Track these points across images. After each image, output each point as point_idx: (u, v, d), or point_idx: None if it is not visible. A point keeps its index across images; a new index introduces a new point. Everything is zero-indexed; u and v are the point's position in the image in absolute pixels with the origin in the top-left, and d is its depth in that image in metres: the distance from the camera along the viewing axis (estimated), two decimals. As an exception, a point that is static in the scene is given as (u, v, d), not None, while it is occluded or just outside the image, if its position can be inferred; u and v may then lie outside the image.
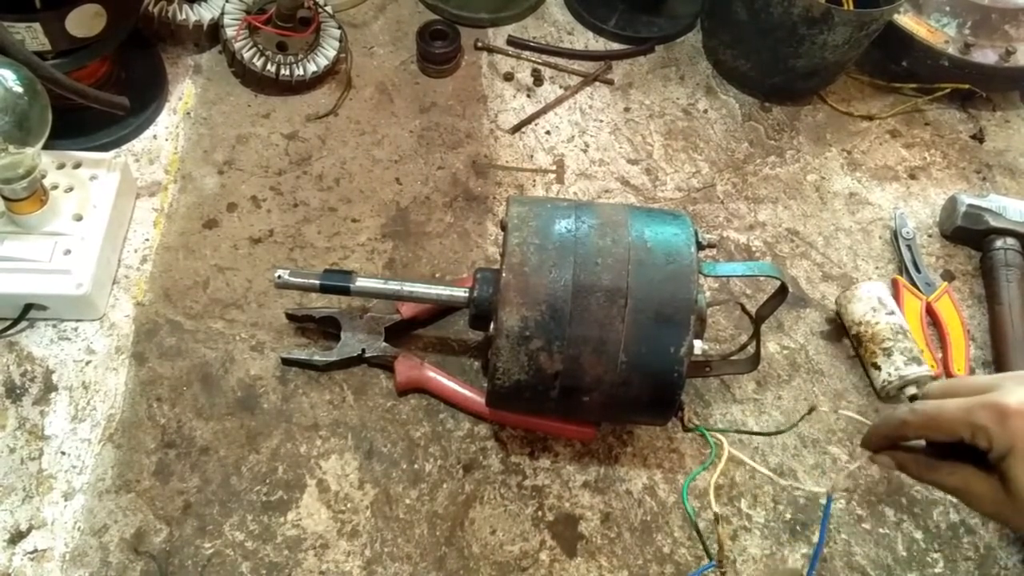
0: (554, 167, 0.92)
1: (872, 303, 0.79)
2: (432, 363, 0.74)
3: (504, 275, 0.61)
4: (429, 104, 0.95)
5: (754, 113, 1.00)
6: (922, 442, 0.53)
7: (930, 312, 0.83)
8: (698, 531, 0.68)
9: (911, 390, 0.75)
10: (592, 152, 0.94)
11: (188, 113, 0.91)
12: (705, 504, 0.70)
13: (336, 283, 0.69)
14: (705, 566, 0.67)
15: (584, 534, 0.69)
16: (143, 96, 0.89)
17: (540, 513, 0.69)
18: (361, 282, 0.69)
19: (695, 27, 1.08)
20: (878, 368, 0.77)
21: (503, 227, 0.65)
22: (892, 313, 0.78)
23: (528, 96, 0.98)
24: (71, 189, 0.76)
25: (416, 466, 0.71)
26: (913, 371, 0.74)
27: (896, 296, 0.84)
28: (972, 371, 0.81)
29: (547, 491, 0.70)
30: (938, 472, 0.51)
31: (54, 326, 0.75)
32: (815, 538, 0.70)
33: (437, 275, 0.82)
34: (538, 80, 1.00)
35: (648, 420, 0.71)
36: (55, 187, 0.75)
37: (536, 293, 0.60)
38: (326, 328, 0.76)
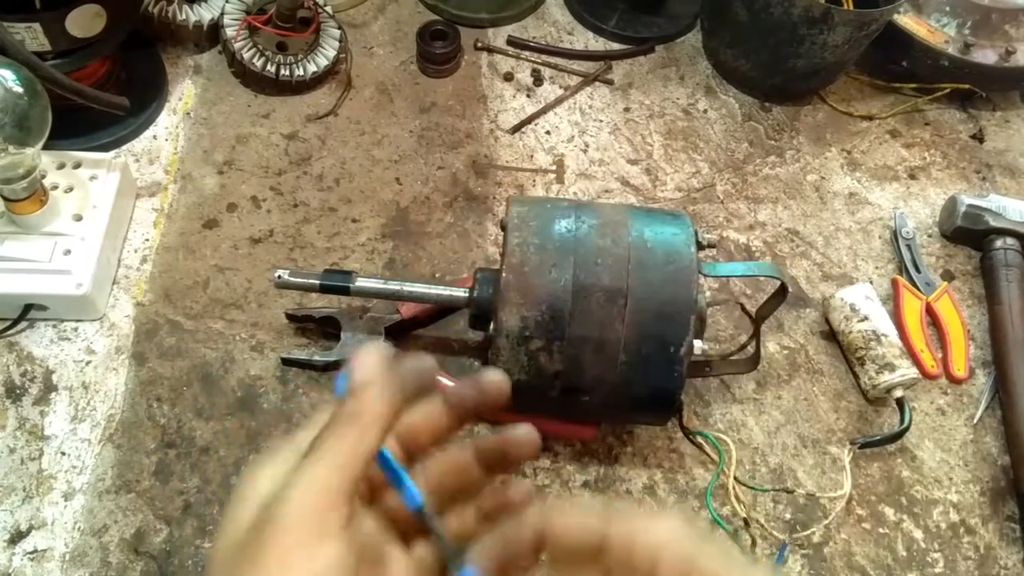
0: (554, 167, 0.92)
1: (845, 311, 0.79)
2: (432, 363, 0.74)
3: (504, 275, 0.61)
4: (429, 104, 0.95)
5: (754, 113, 1.00)
6: None
7: (930, 312, 0.83)
8: (731, 536, 0.68)
9: (898, 393, 0.75)
10: (592, 152, 0.94)
11: (188, 113, 0.91)
12: (703, 505, 0.70)
13: (336, 283, 0.69)
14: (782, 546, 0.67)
15: (584, 534, 0.69)
16: (143, 96, 0.89)
17: (540, 513, 0.69)
18: (361, 282, 0.69)
19: (695, 27, 1.07)
20: (857, 377, 0.78)
21: (503, 227, 0.65)
22: (864, 319, 0.78)
23: (528, 96, 0.98)
24: (71, 189, 0.76)
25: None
26: (885, 379, 0.74)
27: (895, 296, 0.84)
28: (972, 371, 0.82)
29: (547, 491, 0.70)
30: None
31: (54, 326, 0.75)
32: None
33: (437, 275, 0.82)
34: (538, 80, 1.00)
35: (648, 420, 0.71)
36: (55, 187, 0.75)
37: (536, 293, 0.60)
38: (326, 328, 0.76)
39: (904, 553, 0.71)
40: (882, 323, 0.78)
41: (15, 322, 0.73)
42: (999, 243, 0.86)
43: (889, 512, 0.73)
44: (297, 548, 0.29)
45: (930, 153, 1.00)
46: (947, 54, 0.97)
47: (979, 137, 1.01)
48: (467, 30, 1.01)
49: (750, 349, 0.74)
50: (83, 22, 0.77)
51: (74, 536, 0.65)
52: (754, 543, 0.66)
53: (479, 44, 1.01)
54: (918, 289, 0.85)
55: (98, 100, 0.77)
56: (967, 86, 0.99)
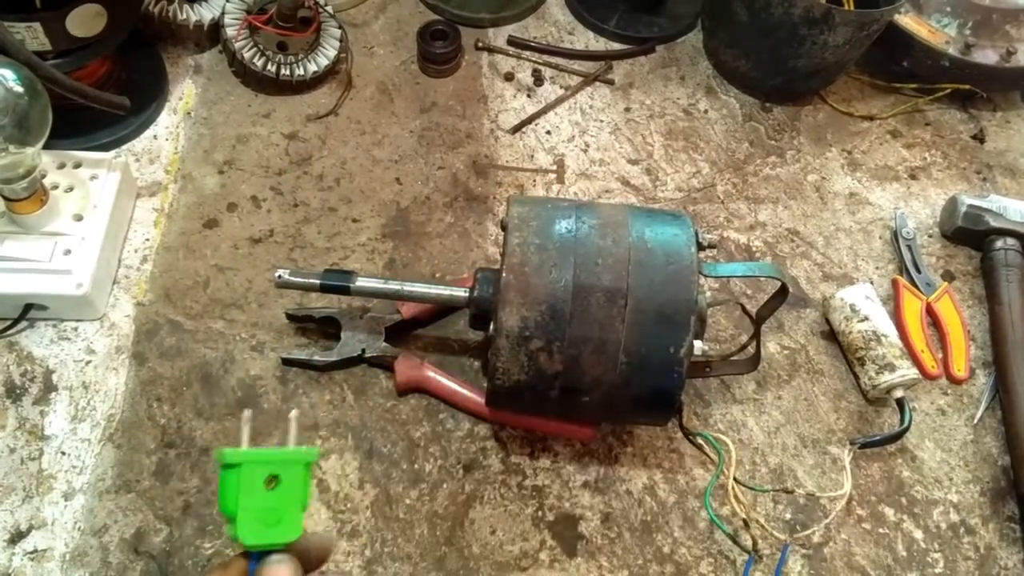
0: (554, 167, 0.92)
1: (845, 312, 0.79)
2: (432, 363, 0.74)
3: (504, 275, 0.61)
4: (429, 104, 0.95)
5: (755, 113, 1.00)
6: None
7: (930, 312, 0.83)
8: (731, 536, 0.68)
9: (898, 393, 0.75)
10: (592, 152, 0.94)
11: (188, 113, 0.91)
12: (703, 505, 0.70)
13: (336, 283, 0.69)
14: (748, 560, 0.67)
15: (584, 534, 0.69)
16: (143, 96, 0.89)
17: (540, 513, 0.69)
18: (361, 282, 0.69)
19: (696, 27, 1.08)
20: (857, 377, 0.78)
21: (503, 227, 0.65)
22: (865, 319, 0.78)
23: (528, 96, 0.98)
24: (71, 189, 0.76)
25: (416, 466, 0.71)
26: (885, 379, 0.74)
27: (896, 296, 0.84)
28: (972, 371, 0.81)
29: (547, 491, 0.70)
30: None
31: (54, 326, 0.75)
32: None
33: (437, 275, 0.82)
34: (538, 80, 1.00)
35: (648, 420, 0.71)
36: (55, 187, 0.75)
37: (536, 293, 0.60)
38: (326, 328, 0.76)
39: (904, 553, 0.71)
40: (882, 323, 0.78)
41: (15, 322, 0.73)
42: (999, 243, 0.86)
43: (889, 512, 0.73)
44: None
45: (931, 153, 1.00)
46: (948, 54, 0.97)
47: (980, 137, 1.01)
48: (468, 30, 1.01)
49: (750, 349, 0.74)
50: (84, 22, 0.77)
51: (74, 536, 0.65)
52: (755, 543, 0.66)
53: (480, 44, 1.01)
54: (918, 289, 0.84)
55: (98, 100, 0.77)
56: (968, 86, 0.99)
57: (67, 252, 0.73)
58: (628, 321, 0.60)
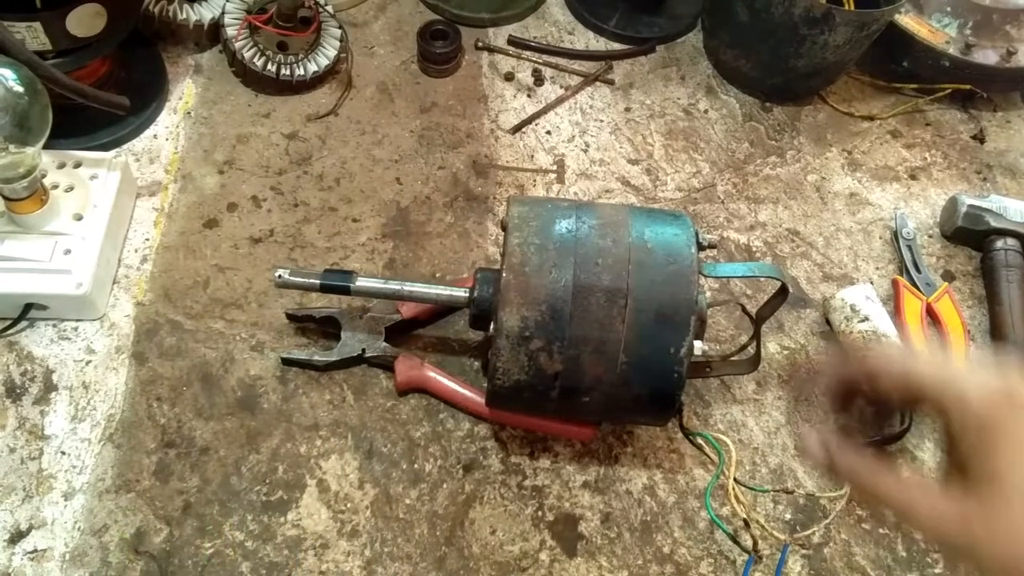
0: (555, 167, 0.92)
1: (845, 312, 0.79)
2: (432, 363, 0.74)
3: (504, 275, 0.61)
4: (429, 104, 0.95)
5: (755, 113, 1.00)
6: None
7: (930, 312, 0.83)
8: (731, 537, 0.68)
9: None
10: (593, 152, 0.94)
11: (188, 113, 0.91)
12: (703, 506, 0.70)
13: (336, 283, 0.69)
14: (748, 560, 0.67)
15: (584, 534, 0.69)
16: (143, 95, 0.89)
17: (540, 513, 0.69)
18: (361, 282, 0.69)
19: (696, 27, 1.08)
20: None
21: (503, 227, 0.65)
22: (865, 320, 0.78)
23: (529, 96, 0.98)
24: (71, 188, 0.76)
25: (416, 466, 0.71)
26: None
27: (896, 296, 0.84)
28: (972, 372, 0.81)
29: (547, 491, 0.70)
30: (884, 476, 0.46)
31: (54, 326, 0.75)
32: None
33: (437, 275, 0.82)
34: (539, 80, 1.00)
35: (648, 421, 0.71)
36: (55, 186, 0.75)
37: (536, 293, 0.60)
38: (326, 328, 0.76)
39: (904, 554, 0.71)
40: (883, 324, 0.78)
41: (15, 322, 0.73)
42: (1000, 244, 0.86)
43: (889, 512, 0.72)
44: None
45: (931, 153, 1.00)
46: (948, 54, 0.97)
47: (980, 138, 1.01)
48: (468, 30, 1.01)
49: (750, 350, 0.74)
50: (84, 21, 0.77)
51: (74, 536, 0.65)
52: (755, 543, 0.66)
53: (480, 44, 1.01)
54: (918, 290, 0.84)
55: (98, 99, 0.77)
56: (968, 87, 0.99)
57: (67, 252, 0.73)
58: (628, 321, 0.60)
